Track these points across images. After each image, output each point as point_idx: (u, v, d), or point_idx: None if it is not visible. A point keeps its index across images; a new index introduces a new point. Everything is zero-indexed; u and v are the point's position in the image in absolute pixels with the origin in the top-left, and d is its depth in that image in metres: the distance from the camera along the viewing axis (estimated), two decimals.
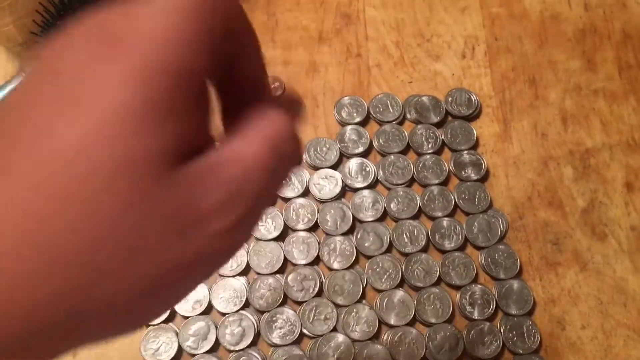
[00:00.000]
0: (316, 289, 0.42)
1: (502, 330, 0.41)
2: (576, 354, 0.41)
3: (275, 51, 0.50)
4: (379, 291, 0.42)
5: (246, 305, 0.42)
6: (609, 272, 0.43)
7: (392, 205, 0.45)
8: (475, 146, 0.47)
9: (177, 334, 0.41)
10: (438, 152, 0.47)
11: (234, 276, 0.43)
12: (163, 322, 0.41)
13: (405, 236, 0.44)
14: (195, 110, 0.15)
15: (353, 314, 0.41)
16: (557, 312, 0.42)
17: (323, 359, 0.40)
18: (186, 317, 0.41)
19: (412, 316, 0.41)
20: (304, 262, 0.43)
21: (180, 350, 0.40)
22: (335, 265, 0.43)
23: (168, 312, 0.41)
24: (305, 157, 0.46)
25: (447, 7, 0.52)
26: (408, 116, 0.48)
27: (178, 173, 0.15)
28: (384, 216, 0.45)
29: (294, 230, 0.44)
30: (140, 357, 0.40)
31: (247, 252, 0.43)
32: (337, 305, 0.42)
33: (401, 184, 0.45)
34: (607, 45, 0.51)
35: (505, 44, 0.51)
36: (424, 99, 0.48)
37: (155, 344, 0.40)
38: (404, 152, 0.47)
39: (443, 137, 0.47)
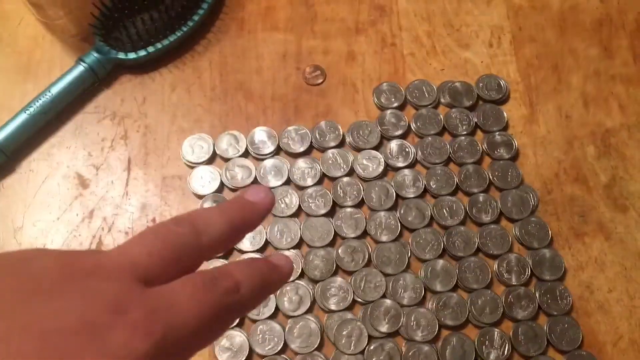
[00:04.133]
0: (365, 260, 0.46)
1: (537, 294, 0.45)
2: (604, 315, 0.45)
3: (315, 41, 0.54)
4: (423, 261, 0.46)
5: (301, 275, 0.45)
6: (631, 241, 0.47)
7: (431, 183, 0.48)
8: (505, 128, 0.51)
9: None
10: (472, 133, 0.50)
11: (288, 249, 0.46)
12: None
13: (445, 211, 0.47)
14: None
15: (401, 281, 0.45)
16: (585, 277, 0.46)
17: (376, 323, 0.44)
18: None
19: (454, 283, 0.45)
20: (353, 235, 0.46)
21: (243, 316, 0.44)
22: (382, 238, 0.46)
23: None
24: (348, 139, 0.50)
25: None
26: (442, 100, 0.52)
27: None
28: (424, 193, 0.48)
29: (342, 207, 0.48)
30: None
31: (300, 227, 0.46)
32: (385, 274, 0.45)
33: (439, 163, 0.49)
34: (622, 33, 0.55)
35: (529, 34, 0.55)
36: (457, 84, 0.52)
37: None
38: (440, 133, 0.50)
39: (476, 120, 0.51)
